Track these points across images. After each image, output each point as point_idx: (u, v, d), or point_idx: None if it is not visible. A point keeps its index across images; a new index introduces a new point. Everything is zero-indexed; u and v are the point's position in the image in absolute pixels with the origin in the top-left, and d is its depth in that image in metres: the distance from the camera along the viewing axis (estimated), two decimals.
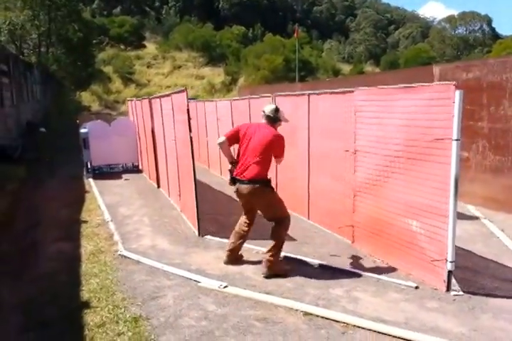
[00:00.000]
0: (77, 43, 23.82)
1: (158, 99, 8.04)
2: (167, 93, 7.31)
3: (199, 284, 4.25)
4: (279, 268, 4.47)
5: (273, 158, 4.58)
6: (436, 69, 8.15)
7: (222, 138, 4.55)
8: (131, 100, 12.24)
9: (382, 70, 43.72)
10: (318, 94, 6.15)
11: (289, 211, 6.86)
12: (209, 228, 5.97)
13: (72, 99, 27.82)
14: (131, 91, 43.55)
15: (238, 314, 3.68)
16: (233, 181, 4.51)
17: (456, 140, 3.92)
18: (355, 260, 4.90)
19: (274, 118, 4.60)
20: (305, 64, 43.15)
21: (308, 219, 6.40)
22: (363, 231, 5.21)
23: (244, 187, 4.42)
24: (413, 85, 4.41)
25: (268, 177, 4.52)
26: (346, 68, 49.66)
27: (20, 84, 15.40)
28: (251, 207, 4.63)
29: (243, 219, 4.73)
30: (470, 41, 58.25)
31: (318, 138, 6.12)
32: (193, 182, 5.59)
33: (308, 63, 43.99)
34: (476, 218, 6.65)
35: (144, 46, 48.88)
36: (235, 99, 9.58)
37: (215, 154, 10.48)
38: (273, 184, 7.36)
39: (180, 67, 47.01)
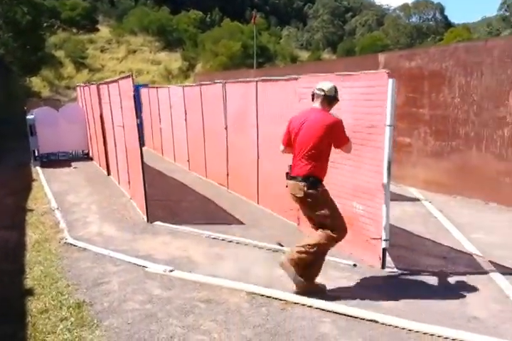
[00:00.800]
0: (25, 27, 22.75)
1: (105, 85, 7.90)
2: (114, 78, 7.20)
3: (146, 269, 4.29)
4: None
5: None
6: (381, 58, 8.39)
7: (281, 147, 4.17)
8: (80, 85, 11.94)
9: (339, 57, 44.25)
10: (265, 81, 6.23)
11: (240, 196, 7.04)
12: (159, 214, 6.00)
13: (22, 84, 26.69)
14: (83, 76, 42.13)
15: (182, 296, 3.77)
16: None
17: (389, 126, 4.09)
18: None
19: (334, 98, 3.89)
20: (263, 50, 43.09)
21: (258, 203, 6.53)
22: None
23: (288, 184, 3.87)
24: (351, 73, 4.55)
25: (319, 175, 3.79)
26: (304, 55, 49.92)
27: None
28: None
29: None
30: (423, 29, 59.76)
31: (266, 124, 6.22)
32: (141, 168, 5.58)
33: (266, 50, 43.99)
34: (417, 200, 6.98)
35: (98, 30, 47.35)
36: (186, 86, 9.53)
37: (169, 141, 10.43)
38: (224, 169, 7.52)
39: (135, 51, 45.86)
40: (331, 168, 4.89)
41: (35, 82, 33.76)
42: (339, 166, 4.79)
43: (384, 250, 4.27)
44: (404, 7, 64.89)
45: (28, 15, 22.95)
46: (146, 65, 45.23)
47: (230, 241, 5.01)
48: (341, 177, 4.76)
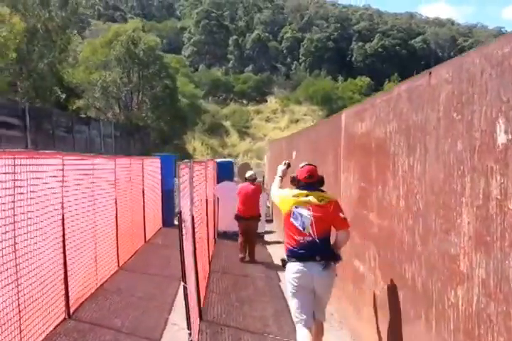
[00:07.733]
0: (163, 99, 24.39)
1: None
2: None
3: None
4: None
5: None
6: None
7: None
8: None
9: None
10: None
11: None
12: None
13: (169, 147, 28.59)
14: (246, 144, 44.07)
15: None
16: None
17: None
18: None
19: None
20: None
21: None
22: None
23: None
24: None
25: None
26: None
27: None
28: None
29: None
30: None
31: None
32: None
33: None
34: None
35: (265, 101, 50.15)
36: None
37: None
38: None
39: (297, 120, 46.39)
40: None
41: (197, 146, 36.47)
42: None
43: None
44: None
45: (167, 89, 24.66)
46: None
47: None
48: None
